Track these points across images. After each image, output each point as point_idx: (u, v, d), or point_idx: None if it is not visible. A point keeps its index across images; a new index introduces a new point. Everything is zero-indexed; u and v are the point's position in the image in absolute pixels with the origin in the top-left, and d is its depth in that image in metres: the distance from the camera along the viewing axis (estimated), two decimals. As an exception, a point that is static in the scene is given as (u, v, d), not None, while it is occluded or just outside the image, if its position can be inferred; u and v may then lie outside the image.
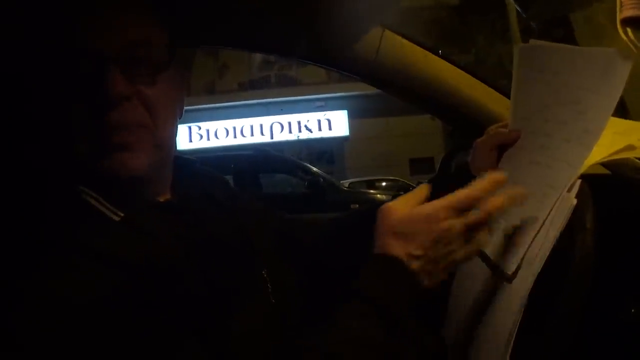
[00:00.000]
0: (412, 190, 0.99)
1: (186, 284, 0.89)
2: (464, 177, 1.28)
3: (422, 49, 1.66)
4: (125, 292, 0.81)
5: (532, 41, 1.26)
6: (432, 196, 1.34)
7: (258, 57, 20.70)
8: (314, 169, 9.97)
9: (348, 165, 23.27)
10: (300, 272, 1.26)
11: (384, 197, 9.57)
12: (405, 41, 1.65)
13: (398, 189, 14.67)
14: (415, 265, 0.89)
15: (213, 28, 1.03)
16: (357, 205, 8.35)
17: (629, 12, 1.10)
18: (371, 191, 11.80)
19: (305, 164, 10.57)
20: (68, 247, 0.81)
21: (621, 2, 1.10)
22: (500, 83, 1.71)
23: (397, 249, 0.90)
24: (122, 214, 0.94)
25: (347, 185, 12.49)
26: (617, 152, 1.04)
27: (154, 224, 0.94)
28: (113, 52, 0.94)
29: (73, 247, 0.81)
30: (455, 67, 1.69)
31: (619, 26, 1.12)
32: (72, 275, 0.79)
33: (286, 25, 1.56)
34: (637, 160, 1.53)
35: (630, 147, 1.06)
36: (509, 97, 1.30)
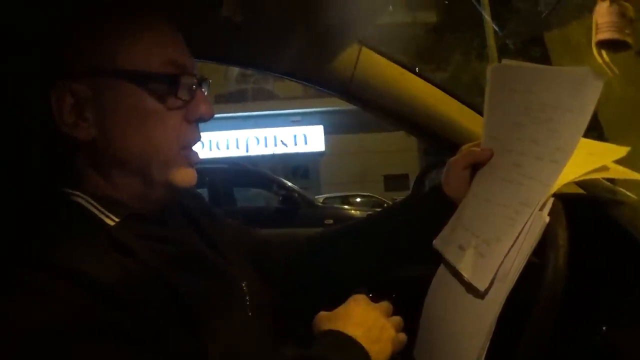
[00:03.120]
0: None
1: (160, 305, 0.88)
2: (437, 196, 1.29)
3: (399, 67, 1.67)
4: (97, 318, 0.79)
5: (505, 61, 1.27)
6: (407, 215, 1.35)
7: (235, 69, 20.69)
8: (289, 183, 9.99)
9: (323, 181, 23.33)
10: (273, 288, 1.25)
11: (358, 212, 9.59)
12: (382, 59, 1.66)
13: (372, 205, 14.73)
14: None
15: (190, 41, 1.02)
16: (331, 221, 8.35)
17: (604, 35, 1.11)
18: (345, 207, 11.83)
19: (280, 178, 10.58)
20: (42, 263, 0.80)
21: (597, 25, 1.12)
22: (476, 101, 1.73)
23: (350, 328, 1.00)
24: (117, 219, 0.93)
25: (321, 200, 12.50)
26: (590, 172, 1.05)
27: (134, 238, 0.93)
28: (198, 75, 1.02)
29: (47, 264, 0.80)
30: (431, 86, 1.70)
31: (594, 48, 1.13)
32: (39, 295, 0.77)
33: (263, 40, 1.57)
34: (607, 182, 1.55)
35: (603, 168, 1.07)
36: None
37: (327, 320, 1.03)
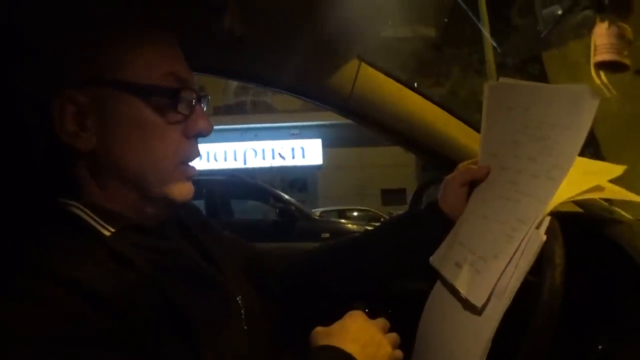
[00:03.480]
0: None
1: (156, 315, 0.88)
2: (434, 213, 1.30)
3: (397, 84, 1.67)
4: (93, 326, 0.79)
5: (502, 79, 1.28)
6: (404, 232, 1.35)
7: (234, 82, 20.72)
8: (286, 196, 9.96)
9: (320, 194, 23.32)
10: (269, 302, 1.25)
11: (354, 226, 9.57)
12: (381, 75, 1.66)
13: (369, 219, 14.71)
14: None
15: (191, 54, 1.03)
16: (328, 234, 8.35)
17: (602, 57, 1.12)
18: (342, 221, 11.81)
19: (278, 191, 10.54)
20: (41, 272, 0.80)
21: (595, 47, 1.12)
22: (474, 117, 1.73)
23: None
24: (112, 230, 0.94)
25: (318, 214, 12.47)
26: (585, 192, 1.06)
27: (130, 248, 0.93)
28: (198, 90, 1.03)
29: (46, 272, 0.80)
30: (429, 103, 1.71)
31: (592, 69, 1.14)
32: (37, 302, 0.77)
33: (263, 54, 1.57)
34: (603, 202, 1.55)
35: (598, 188, 1.07)
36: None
37: (323, 335, 1.02)
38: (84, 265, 0.84)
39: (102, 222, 0.94)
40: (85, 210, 0.94)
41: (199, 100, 1.03)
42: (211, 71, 1.64)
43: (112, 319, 0.80)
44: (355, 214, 17.76)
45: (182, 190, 1.02)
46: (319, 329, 1.04)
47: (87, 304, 0.79)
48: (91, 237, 0.91)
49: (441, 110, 1.73)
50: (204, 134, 1.04)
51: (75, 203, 0.95)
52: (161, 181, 0.99)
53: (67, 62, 0.96)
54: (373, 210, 18.22)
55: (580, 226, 1.18)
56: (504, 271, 1.01)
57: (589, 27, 1.15)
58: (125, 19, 1.01)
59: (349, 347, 0.97)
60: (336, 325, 1.03)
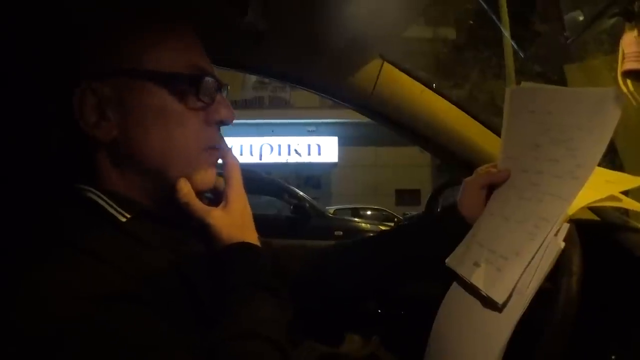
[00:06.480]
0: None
1: (174, 299, 0.89)
2: (452, 215, 1.29)
3: (419, 84, 1.67)
4: (122, 294, 0.80)
5: (524, 83, 1.27)
6: (421, 233, 1.35)
7: (253, 76, 20.72)
8: (300, 193, 9.95)
9: (334, 192, 23.27)
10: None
11: (368, 225, 9.56)
12: (403, 75, 1.66)
13: (383, 219, 14.67)
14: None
15: (214, 47, 1.04)
16: (341, 232, 8.35)
17: (631, 65, 1.11)
18: (355, 219, 11.79)
19: (292, 187, 10.54)
20: (70, 246, 0.82)
21: (623, 55, 1.11)
22: (492, 120, 1.73)
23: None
24: (129, 216, 0.95)
25: (332, 211, 12.47)
26: (605, 199, 1.05)
27: (150, 234, 0.94)
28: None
29: (75, 247, 0.82)
30: (450, 105, 1.70)
31: (619, 78, 1.13)
32: (73, 271, 0.79)
33: (286, 50, 1.57)
34: (619, 214, 1.54)
35: (617, 198, 1.07)
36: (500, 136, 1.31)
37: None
38: (104, 241, 0.86)
39: (118, 208, 0.95)
40: (102, 196, 0.96)
41: (219, 89, 1.04)
42: (233, 65, 1.64)
43: (134, 286, 0.82)
44: (368, 213, 17.72)
45: (204, 178, 1.03)
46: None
47: (111, 271, 0.81)
48: (107, 222, 0.93)
49: (461, 112, 1.72)
50: (226, 122, 1.05)
51: (91, 189, 0.96)
52: (184, 168, 1.00)
53: (87, 53, 0.97)
54: (387, 209, 18.19)
55: (598, 235, 1.17)
56: (526, 268, 1.01)
57: (614, 35, 1.15)
58: (146, 11, 1.01)
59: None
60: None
